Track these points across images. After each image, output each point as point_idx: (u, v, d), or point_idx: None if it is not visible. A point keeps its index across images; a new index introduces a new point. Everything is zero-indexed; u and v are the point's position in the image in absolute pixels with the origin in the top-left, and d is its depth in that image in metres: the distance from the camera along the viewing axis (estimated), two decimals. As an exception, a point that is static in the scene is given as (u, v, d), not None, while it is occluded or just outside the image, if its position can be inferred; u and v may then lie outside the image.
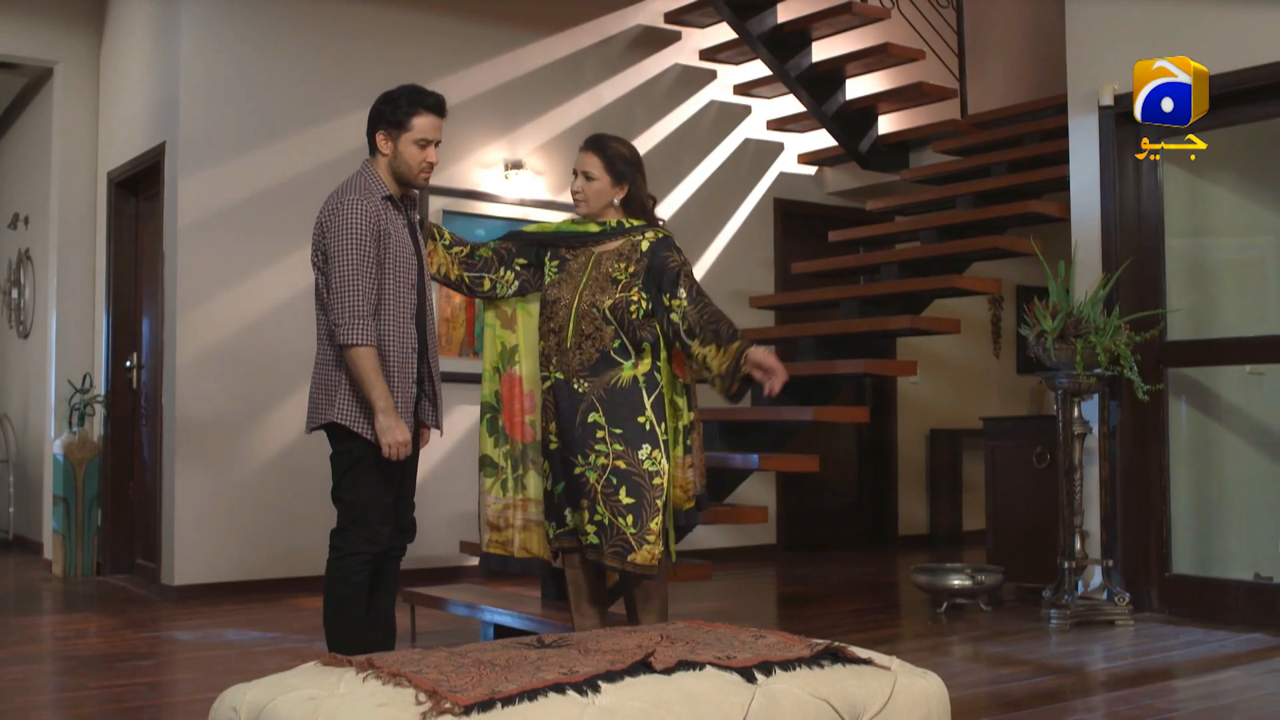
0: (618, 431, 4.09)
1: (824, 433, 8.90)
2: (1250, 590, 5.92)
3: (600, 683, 2.36)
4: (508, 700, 2.24)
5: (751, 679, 2.49)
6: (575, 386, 4.14)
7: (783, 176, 9.22)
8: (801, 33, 8.19)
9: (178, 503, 6.80)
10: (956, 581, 6.30)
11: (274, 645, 5.47)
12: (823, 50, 8.37)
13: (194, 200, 6.95)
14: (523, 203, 7.86)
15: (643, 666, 2.45)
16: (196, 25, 7.01)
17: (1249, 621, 5.76)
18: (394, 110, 3.93)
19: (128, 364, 7.86)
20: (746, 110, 9.06)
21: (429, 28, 7.64)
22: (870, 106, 8.56)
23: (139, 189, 7.85)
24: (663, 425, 4.16)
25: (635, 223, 4.29)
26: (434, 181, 7.54)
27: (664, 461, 4.13)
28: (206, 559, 6.84)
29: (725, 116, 8.94)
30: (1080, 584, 6.00)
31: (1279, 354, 6.02)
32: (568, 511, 4.22)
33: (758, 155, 9.08)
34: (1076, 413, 6.01)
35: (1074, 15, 6.51)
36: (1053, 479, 6.31)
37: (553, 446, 4.23)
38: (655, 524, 4.09)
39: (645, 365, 4.16)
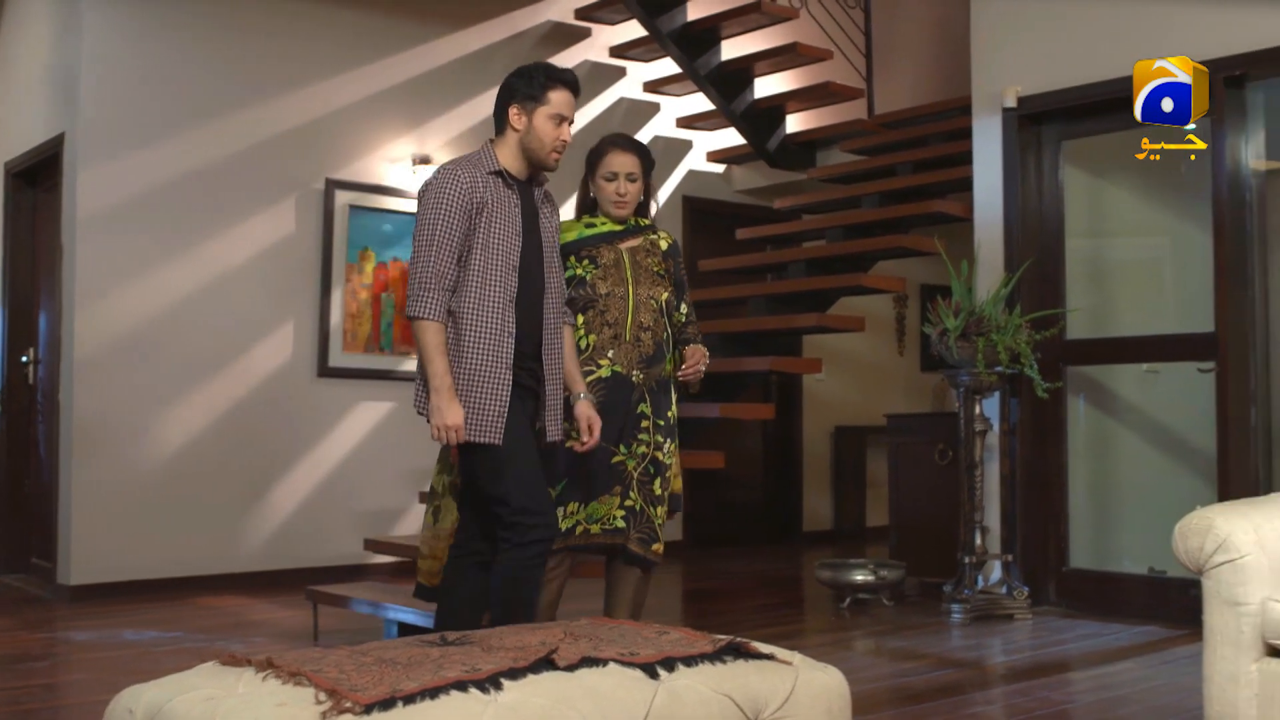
0: (660, 424, 4.16)
1: (730, 429, 8.93)
2: (1145, 584, 6.06)
3: (503, 680, 2.35)
4: (409, 699, 2.23)
5: (654, 675, 2.49)
6: (633, 378, 4.13)
7: (691, 174, 9.25)
8: (711, 31, 8.23)
9: (75, 500, 6.66)
10: (859, 577, 6.35)
11: (174, 645, 5.39)
12: (732, 49, 8.42)
13: (93, 192, 6.80)
14: (430, 198, 7.78)
15: (545, 664, 2.44)
16: (97, 15, 6.86)
17: (1143, 614, 5.89)
18: (529, 84, 3.81)
19: (24, 359, 7.68)
20: (656, 108, 9.07)
21: (335, 21, 7.55)
22: (778, 105, 8.62)
23: (37, 180, 7.68)
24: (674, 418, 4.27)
25: (645, 221, 4.35)
26: (340, 176, 7.47)
27: (676, 454, 4.25)
28: (104, 558, 6.70)
29: (635, 113, 8.95)
30: (980, 579, 6.09)
31: (1174, 353, 6.15)
32: (566, 507, 4.09)
33: (667, 152, 9.10)
34: (978, 410, 6.10)
35: (979, 17, 6.59)
36: (954, 475, 6.39)
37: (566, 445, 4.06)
38: (663, 513, 4.18)
39: (674, 359, 4.26)
